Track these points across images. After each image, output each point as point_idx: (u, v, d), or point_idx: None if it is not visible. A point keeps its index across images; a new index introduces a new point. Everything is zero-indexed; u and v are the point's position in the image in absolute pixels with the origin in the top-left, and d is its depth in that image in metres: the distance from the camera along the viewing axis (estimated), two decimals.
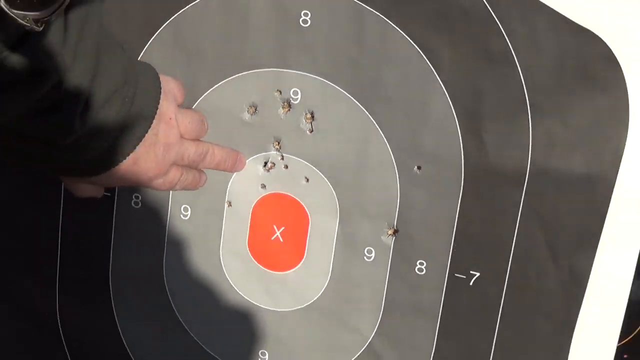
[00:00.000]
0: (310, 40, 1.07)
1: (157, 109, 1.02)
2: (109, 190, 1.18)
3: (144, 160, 1.03)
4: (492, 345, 1.14)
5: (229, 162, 1.14)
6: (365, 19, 1.05)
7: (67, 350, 1.29)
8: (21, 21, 0.72)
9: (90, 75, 0.91)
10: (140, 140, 1.01)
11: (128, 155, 1.01)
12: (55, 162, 1.01)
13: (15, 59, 0.82)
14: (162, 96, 1.03)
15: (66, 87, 0.89)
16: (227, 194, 1.17)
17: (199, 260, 1.21)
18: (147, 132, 1.01)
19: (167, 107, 1.04)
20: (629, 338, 1.16)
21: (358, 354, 1.19)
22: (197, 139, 1.12)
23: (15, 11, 0.71)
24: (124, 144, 1.00)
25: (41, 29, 0.75)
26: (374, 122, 1.08)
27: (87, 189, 1.09)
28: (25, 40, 0.82)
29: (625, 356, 1.17)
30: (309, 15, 1.06)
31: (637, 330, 1.17)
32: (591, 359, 1.12)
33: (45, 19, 0.75)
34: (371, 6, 1.04)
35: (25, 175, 1.21)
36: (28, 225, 1.24)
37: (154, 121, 1.01)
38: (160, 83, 1.03)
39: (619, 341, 1.11)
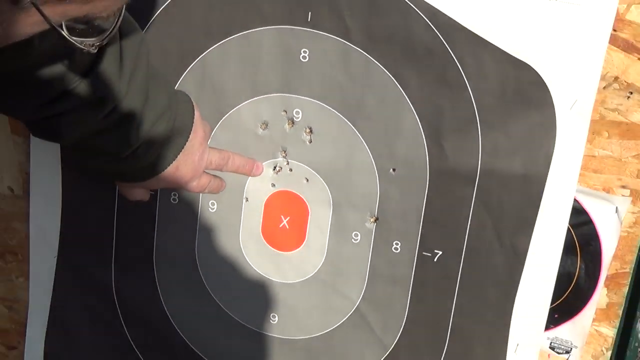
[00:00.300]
0: (308, 72, 1.18)
1: (192, 126, 1.13)
2: (153, 189, 1.26)
3: (184, 166, 1.14)
4: (452, 308, 1.24)
5: (247, 166, 1.23)
6: (351, 54, 1.16)
7: (120, 316, 1.37)
8: (79, 46, 0.76)
9: (142, 100, 1.04)
10: (181, 151, 1.12)
11: (172, 162, 1.12)
12: (116, 170, 1.13)
13: (83, 87, 0.96)
14: (196, 113, 1.14)
15: (123, 110, 1.02)
16: (244, 191, 1.27)
17: (223, 243, 1.30)
18: (185, 144, 1.12)
19: (199, 125, 1.15)
20: (559, 301, 1.23)
21: (348, 315, 1.28)
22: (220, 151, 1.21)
23: (75, 38, 0.75)
24: (169, 154, 1.12)
25: (95, 51, 0.80)
26: (359, 134, 1.19)
27: (138, 193, 1.21)
28: (91, 72, 0.96)
29: (556, 315, 1.24)
30: (307, 53, 1.17)
31: (565, 295, 1.23)
32: (530, 317, 1.22)
33: (98, 44, 0.79)
34: (355, 45, 1.15)
35: (90, 179, 1.28)
36: (91, 218, 1.32)
37: (191, 135, 1.13)
38: (193, 107, 1.14)
39: (551, 304, 1.22)
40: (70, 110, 0.98)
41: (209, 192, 1.23)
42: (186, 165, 1.15)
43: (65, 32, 0.73)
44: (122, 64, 0.99)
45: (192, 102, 1.15)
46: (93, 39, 0.78)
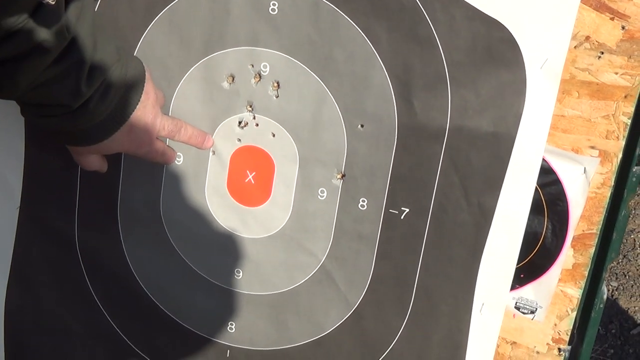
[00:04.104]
0: (277, 25, 1.18)
1: (144, 83, 1.13)
2: (107, 154, 1.24)
3: (137, 128, 1.14)
4: (418, 266, 1.25)
5: (199, 138, 1.24)
6: (320, 8, 1.16)
7: (84, 269, 1.38)
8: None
9: (91, 47, 1.03)
10: (134, 107, 1.13)
11: (125, 120, 1.13)
12: (69, 129, 1.12)
13: (31, 28, 0.95)
14: (147, 76, 1.14)
15: (72, 55, 1.02)
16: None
17: (188, 197, 1.30)
18: (138, 100, 1.13)
19: (150, 87, 1.15)
20: (525, 261, 1.24)
21: (313, 272, 1.30)
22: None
23: None
24: (123, 108, 1.12)
25: (54, 3, 0.84)
26: (327, 89, 1.20)
27: (94, 161, 1.21)
28: (38, 12, 0.95)
29: (522, 275, 1.25)
30: (277, 5, 1.17)
31: (531, 255, 1.24)
32: (495, 277, 1.23)
33: None
34: None
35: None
36: (54, 169, 1.33)
37: (143, 96, 1.13)
38: (144, 68, 1.14)
39: (517, 263, 1.23)
40: (18, 55, 0.98)
41: (162, 161, 1.25)
42: (139, 128, 1.15)
43: None
44: (67, 9, 0.99)
45: (142, 64, 1.15)
46: None
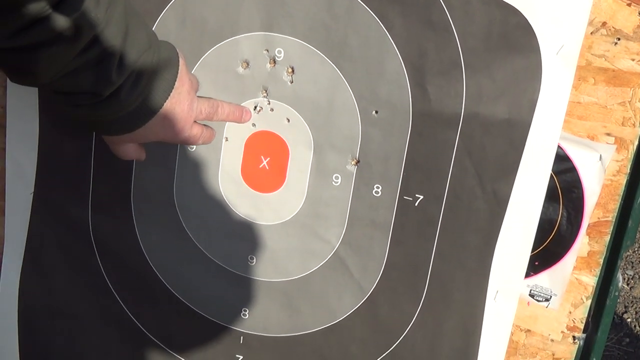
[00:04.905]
0: (292, 10, 1.18)
1: (178, 70, 1.11)
2: (144, 143, 1.23)
3: (172, 116, 1.12)
4: (432, 253, 1.24)
5: (237, 113, 1.23)
6: None
7: (97, 255, 1.38)
8: None
9: (121, 35, 1.02)
10: (169, 94, 1.10)
11: (160, 108, 1.10)
12: (100, 118, 1.10)
13: (56, 16, 0.93)
14: (181, 62, 1.12)
15: (103, 44, 1.00)
16: (224, 131, 1.27)
17: (201, 183, 1.30)
18: (172, 88, 1.10)
19: (184, 73, 1.13)
20: (540, 248, 1.24)
21: (327, 258, 1.29)
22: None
23: None
24: (156, 97, 1.09)
25: None
26: (341, 75, 1.19)
27: (130, 149, 1.19)
28: (63, 1, 0.94)
29: (536, 263, 1.25)
30: None
31: (546, 242, 1.24)
32: (510, 265, 1.23)
33: None
34: None
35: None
36: (68, 154, 1.33)
37: (177, 83, 1.11)
38: (178, 54, 1.12)
39: (532, 251, 1.23)
40: (44, 42, 0.96)
41: (202, 142, 1.23)
42: (175, 115, 1.13)
43: None
44: None
45: (175, 50, 1.13)
46: None
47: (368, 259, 1.28)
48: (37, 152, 1.34)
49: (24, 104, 1.31)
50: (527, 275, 1.26)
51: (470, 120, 1.17)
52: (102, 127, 1.13)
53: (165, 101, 1.11)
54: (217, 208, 1.32)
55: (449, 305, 1.28)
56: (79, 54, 1.00)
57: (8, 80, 1.22)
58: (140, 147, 1.21)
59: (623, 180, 1.20)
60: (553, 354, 1.32)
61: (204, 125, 1.22)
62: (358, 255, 1.29)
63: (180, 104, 1.13)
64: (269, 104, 1.24)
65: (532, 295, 1.28)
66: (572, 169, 1.20)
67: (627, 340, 3.18)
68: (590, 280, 1.27)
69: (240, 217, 1.31)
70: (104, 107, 1.07)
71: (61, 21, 0.95)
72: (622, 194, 1.22)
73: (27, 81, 1.04)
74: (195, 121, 1.18)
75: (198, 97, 1.18)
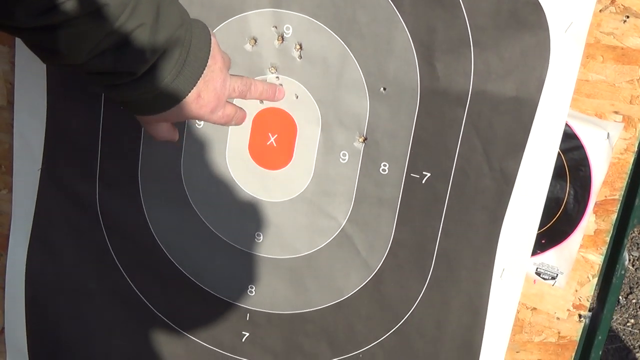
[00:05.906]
0: None
1: (210, 47, 1.10)
2: (177, 122, 1.19)
3: (206, 93, 1.11)
4: (438, 231, 1.25)
5: (270, 91, 1.22)
6: None
7: (104, 231, 1.38)
8: None
9: (154, 13, 1.00)
10: (202, 72, 1.09)
11: (194, 86, 1.08)
12: (135, 98, 1.08)
13: None
14: (213, 40, 1.11)
15: (134, 22, 0.98)
16: None
17: (209, 159, 1.30)
18: (205, 65, 1.09)
19: (217, 51, 1.11)
20: (547, 226, 1.24)
21: (334, 236, 1.30)
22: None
23: None
24: (189, 75, 1.08)
25: None
26: (350, 52, 1.19)
27: (163, 129, 1.17)
28: None
29: (543, 241, 1.25)
30: None
31: (553, 220, 1.24)
32: (516, 243, 1.23)
33: None
34: None
35: (72, 90, 1.29)
36: (76, 131, 1.33)
37: (210, 60, 1.09)
38: (209, 32, 1.11)
39: (539, 229, 1.23)
40: (73, 20, 0.95)
41: (235, 123, 1.22)
42: (208, 93, 1.12)
43: None
44: None
45: (207, 28, 1.12)
46: None
47: (375, 236, 1.29)
48: (44, 129, 1.34)
49: (32, 81, 1.31)
50: (534, 253, 1.26)
51: (478, 98, 1.17)
52: (136, 107, 1.12)
53: (198, 79, 1.09)
54: (225, 185, 1.32)
55: (455, 283, 1.28)
56: (113, 31, 0.98)
57: (16, 56, 1.24)
58: (173, 127, 1.19)
59: (630, 158, 1.21)
60: (559, 332, 1.33)
61: (238, 106, 1.21)
62: (365, 233, 1.29)
63: (213, 81, 1.12)
64: (278, 79, 1.24)
65: (538, 274, 1.29)
66: (580, 147, 1.20)
67: (632, 321, 3.18)
68: (597, 258, 1.27)
69: (248, 194, 1.32)
70: (138, 86, 1.06)
71: (87, 1, 0.94)
72: (629, 172, 1.22)
73: (58, 61, 1.02)
74: (227, 101, 1.17)
75: (231, 75, 1.17)
